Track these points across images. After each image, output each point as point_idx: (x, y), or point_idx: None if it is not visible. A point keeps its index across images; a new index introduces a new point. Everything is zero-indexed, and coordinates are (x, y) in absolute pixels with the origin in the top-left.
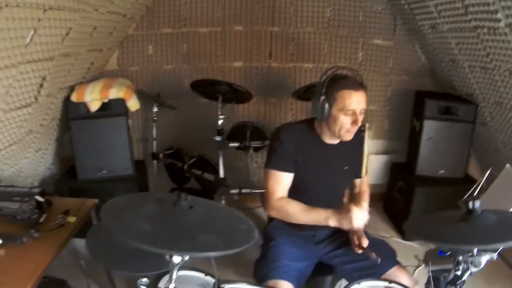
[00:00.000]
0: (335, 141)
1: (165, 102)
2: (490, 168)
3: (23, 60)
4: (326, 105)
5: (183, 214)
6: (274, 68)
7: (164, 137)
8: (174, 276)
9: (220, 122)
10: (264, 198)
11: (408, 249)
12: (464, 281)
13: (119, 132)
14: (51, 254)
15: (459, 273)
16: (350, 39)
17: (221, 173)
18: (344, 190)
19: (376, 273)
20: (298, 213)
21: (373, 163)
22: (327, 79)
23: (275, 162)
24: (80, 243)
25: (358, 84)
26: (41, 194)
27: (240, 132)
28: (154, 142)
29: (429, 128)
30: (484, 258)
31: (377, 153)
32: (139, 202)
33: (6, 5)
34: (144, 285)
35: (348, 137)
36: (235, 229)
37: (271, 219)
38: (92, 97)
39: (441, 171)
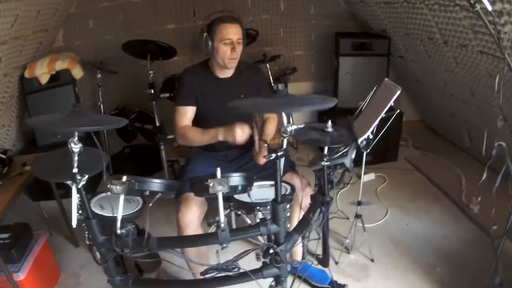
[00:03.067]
0: (228, 75)
1: (107, 67)
2: (376, 86)
3: None
4: (209, 40)
5: None
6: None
7: (111, 100)
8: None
9: (150, 77)
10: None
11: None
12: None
13: (68, 99)
14: (11, 194)
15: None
16: None
17: (157, 122)
18: (248, 115)
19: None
20: (197, 135)
21: None
22: (208, 20)
23: (179, 99)
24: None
25: (232, 18)
26: (3, 153)
27: (170, 84)
28: (102, 105)
29: (345, 64)
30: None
31: (307, 94)
32: None
33: None
34: None
35: (232, 63)
36: None
37: (191, 147)
38: (42, 71)
39: (360, 102)
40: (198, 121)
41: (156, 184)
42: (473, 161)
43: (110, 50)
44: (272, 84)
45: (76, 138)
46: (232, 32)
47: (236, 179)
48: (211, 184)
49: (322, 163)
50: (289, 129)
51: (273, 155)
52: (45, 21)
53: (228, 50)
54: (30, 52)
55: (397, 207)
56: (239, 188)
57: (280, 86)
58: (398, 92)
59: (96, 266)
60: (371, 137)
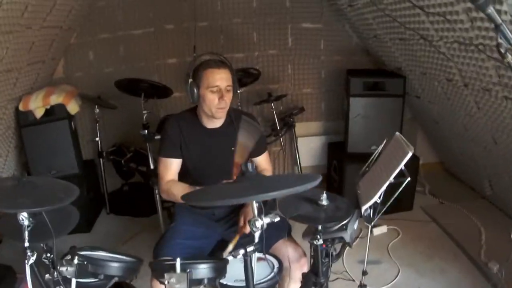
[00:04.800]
0: (217, 125)
1: (105, 103)
2: (386, 139)
3: None
4: (195, 87)
5: None
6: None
7: (109, 136)
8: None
9: (144, 117)
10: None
11: None
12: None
13: (63, 134)
14: None
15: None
16: (278, 25)
17: (151, 164)
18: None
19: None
20: (181, 193)
21: (312, 145)
22: (193, 65)
23: (162, 150)
24: None
25: (220, 63)
26: None
27: None
28: (99, 141)
29: (356, 105)
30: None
31: (316, 135)
32: None
33: None
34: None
35: (220, 113)
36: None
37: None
38: (36, 105)
39: (373, 147)
40: (182, 173)
41: (113, 267)
42: (494, 211)
43: (110, 84)
44: (277, 126)
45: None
46: (220, 78)
47: (202, 271)
48: (167, 281)
49: (315, 242)
50: (258, 223)
51: (240, 252)
52: (40, 52)
53: (216, 99)
54: (26, 83)
55: (410, 267)
56: (205, 282)
57: (250, 166)
58: (410, 154)
59: None
60: (378, 201)
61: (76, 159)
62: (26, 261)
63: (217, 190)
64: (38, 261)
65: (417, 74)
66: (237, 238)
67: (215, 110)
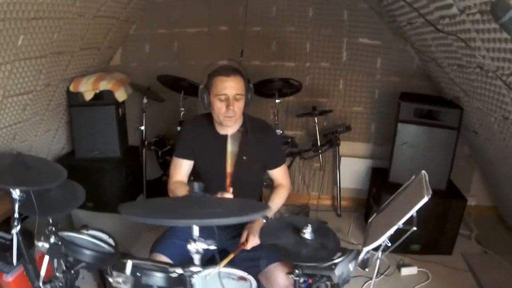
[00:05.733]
0: (229, 132)
1: (153, 94)
2: (414, 176)
3: (17, 58)
4: (205, 94)
5: None
6: (255, 66)
7: (155, 126)
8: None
9: (181, 114)
10: None
11: None
12: None
13: (109, 119)
14: None
15: None
16: (333, 38)
17: None
18: (251, 179)
19: (260, 265)
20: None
21: (356, 167)
22: (207, 70)
23: (176, 150)
24: None
25: (230, 70)
26: None
27: None
28: (144, 131)
29: (405, 132)
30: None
31: (361, 157)
32: None
33: None
34: None
35: (228, 122)
36: None
37: None
38: (86, 88)
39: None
40: (196, 175)
41: (84, 254)
42: None
43: None
44: (318, 142)
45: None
46: (229, 87)
47: (154, 279)
48: (112, 278)
49: (291, 276)
50: (191, 247)
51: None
52: (95, 39)
53: (223, 107)
54: (79, 67)
55: None
56: None
57: (196, 185)
58: (425, 200)
59: None
60: (388, 243)
61: (119, 144)
62: (12, 229)
63: (160, 205)
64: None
65: (474, 106)
66: (236, 252)
67: (223, 118)
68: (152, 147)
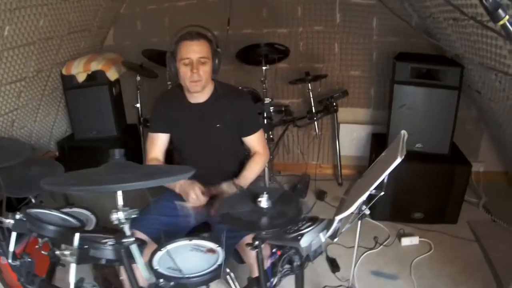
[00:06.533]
0: (201, 99)
1: (145, 71)
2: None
3: (5, 48)
4: (172, 61)
5: None
6: (246, 34)
7: (152, 102)
8: None
9: (169, 87)
10: None
11: (373, 229)
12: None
13: (104, 99)
14: None
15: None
16: None
17: None
18: (229, 148)
19: (237, 236)
20: None
21: (356, 134)
22: (174, 38)
23: (150, 126)
24: None
25: (195, 34)
26: None
27: None
28: (140, 108)
29: (401, 94)
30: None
31: (361, 123)
32: None
33: None
34: None
35: (194, 87)
36: None
37: None
38: (77, 70)
39: (418, 145)
40: (175, 151)
41: (47, 229)
42: None
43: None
44: (313, 108)
45: None
46: (193, 51)
47: (103, 251)
48: (59, 251)
49: (256, 242)
50: (116, 216)
51: None
52: (83, 22)
53: (188, 72)
54: (71, 50)
55: None
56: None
57: (117, 152)
58: (398, 161)
59: None
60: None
61: (116, 123)
62: None
63: (83, 175)
64: None
65: (475, 63)
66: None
67: (189, 83)
68: (148, 124)
